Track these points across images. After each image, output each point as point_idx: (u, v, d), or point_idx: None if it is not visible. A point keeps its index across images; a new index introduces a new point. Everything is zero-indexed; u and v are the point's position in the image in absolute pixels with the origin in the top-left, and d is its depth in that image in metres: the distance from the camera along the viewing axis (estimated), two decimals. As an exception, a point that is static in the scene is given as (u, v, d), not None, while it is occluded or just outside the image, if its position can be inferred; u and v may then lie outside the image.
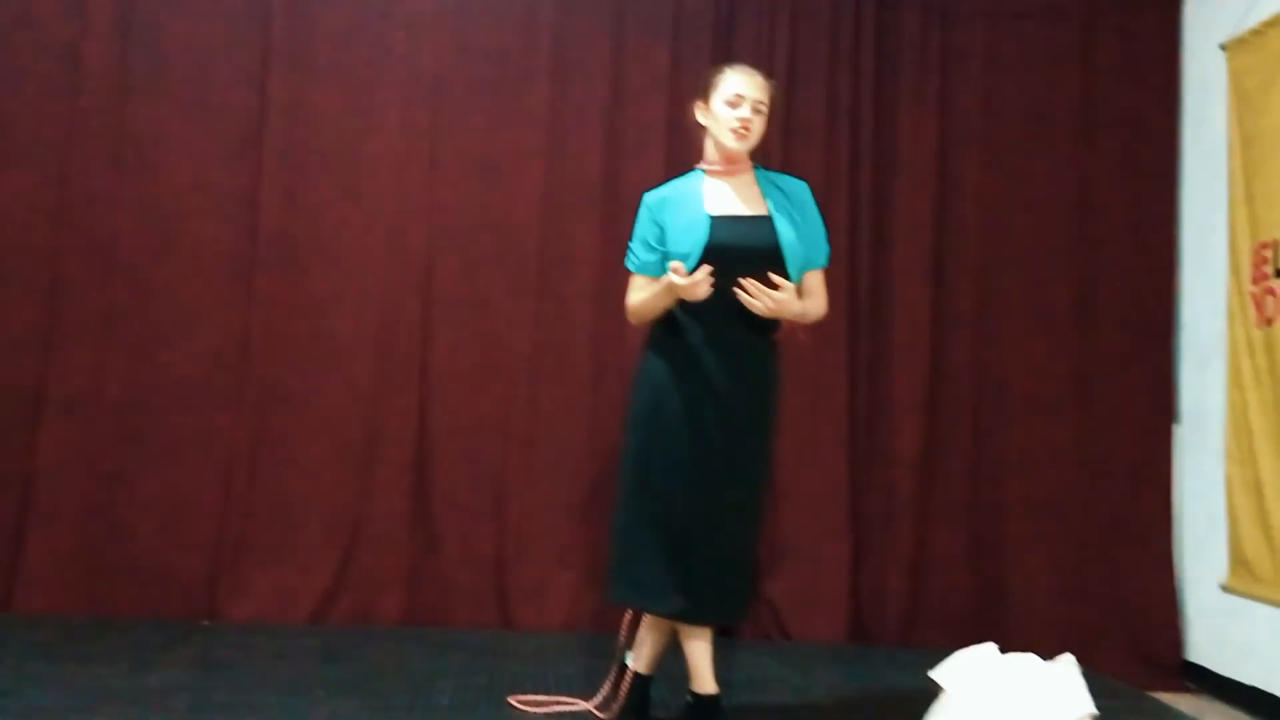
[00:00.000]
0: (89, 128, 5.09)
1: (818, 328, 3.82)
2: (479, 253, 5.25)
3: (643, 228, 3.62)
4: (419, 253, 5.22)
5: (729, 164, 3.60)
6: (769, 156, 5.09)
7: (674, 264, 3.39)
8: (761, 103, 3.55)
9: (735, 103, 3.53)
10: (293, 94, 5.18)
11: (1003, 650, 3.50)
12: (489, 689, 4.08)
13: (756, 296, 3.40)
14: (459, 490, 5.18)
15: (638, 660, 3.62)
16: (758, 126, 3.56)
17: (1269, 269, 4.63)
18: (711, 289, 3.41)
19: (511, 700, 3.86)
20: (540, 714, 3.77)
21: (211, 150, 5.17)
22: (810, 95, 5.35)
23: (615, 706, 3.73)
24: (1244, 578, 4.74)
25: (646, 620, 3.62)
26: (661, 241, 3.56)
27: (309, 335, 5.17)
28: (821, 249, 3.66)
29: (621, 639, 3.81)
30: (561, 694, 3.98)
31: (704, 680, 3.53)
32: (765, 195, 3.59)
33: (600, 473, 5.18)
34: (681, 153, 5.10)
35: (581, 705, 3.85)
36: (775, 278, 3.43)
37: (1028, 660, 3.41)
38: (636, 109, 5.31)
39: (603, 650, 4.72)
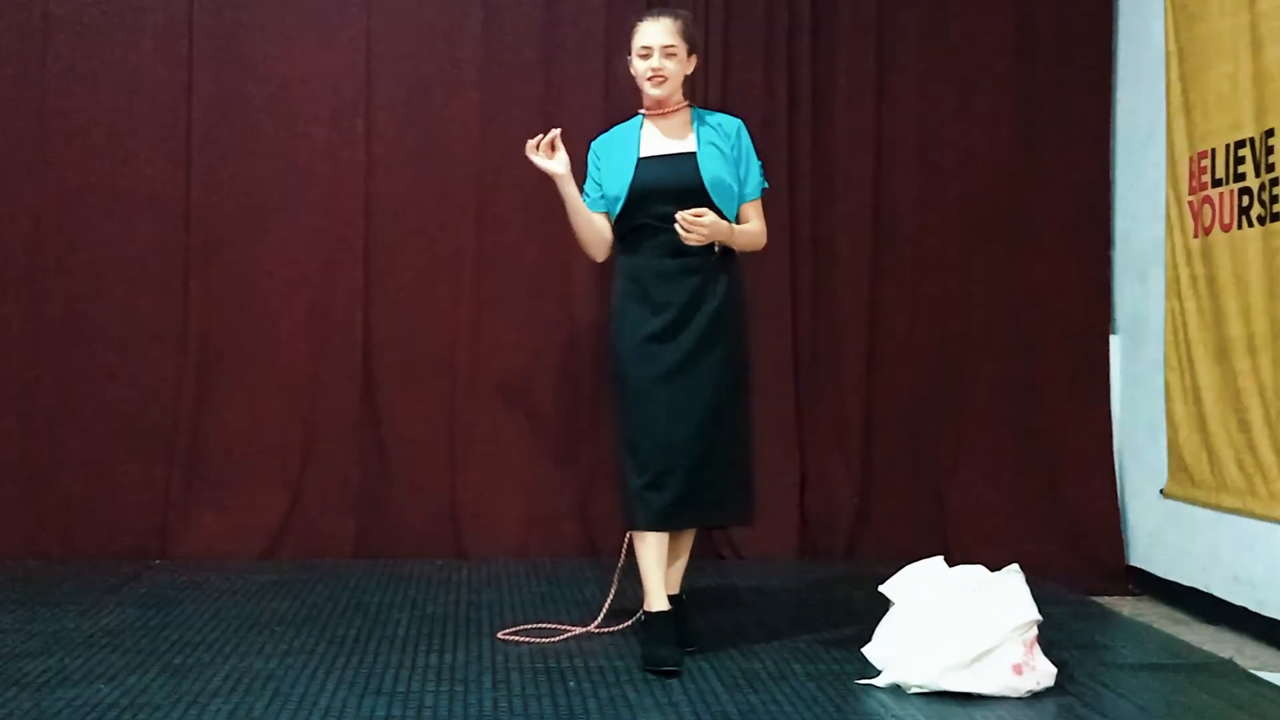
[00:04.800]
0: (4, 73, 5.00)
1: (762, 253, 3.92)
2: (418, 180, 5.18)
3: (590, 170, 3.80)
4: (356, 186, 5.14)
5: (659, 107, 3.76)
6: (708, 85, 5.09)
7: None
8: (670, 46, 3.69)
9: (645, 54, 3.71)
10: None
11: (950, 562, 3.56)
12: (445, 619, 4.10)
13: (689, 229, 3.55)
14: (407, 421, 5.16)
15: (648, 601, 3.65)
16: (671, 68, 3.70)
17: (1207, 178, 4.67)
18: (646, 225, 3.65)
19: (501, 635, 3.85)
20: (545, 643, 3.78)
21: (139, 68, 5.07)
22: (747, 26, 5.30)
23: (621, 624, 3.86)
24: (1183, 483, 4.84)
25: (639, 558, 3.65)
26: (601, 180, 3.75)
27: (250, 272, 5.10)
28: (755, 181, 3.79)
29: (620, 561, 3.87)
30: (535, 621, 3.99)
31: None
32: (696, 133, 3.74)
33: (545, 401, 5.18)
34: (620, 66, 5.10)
35: (578, 630, 3.87)
36: (699, 209, 3.58)
37: (975, 572, 3.48)
38: (575, 29, 5.24)
39: (556, 576, 4.76)
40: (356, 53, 5.14)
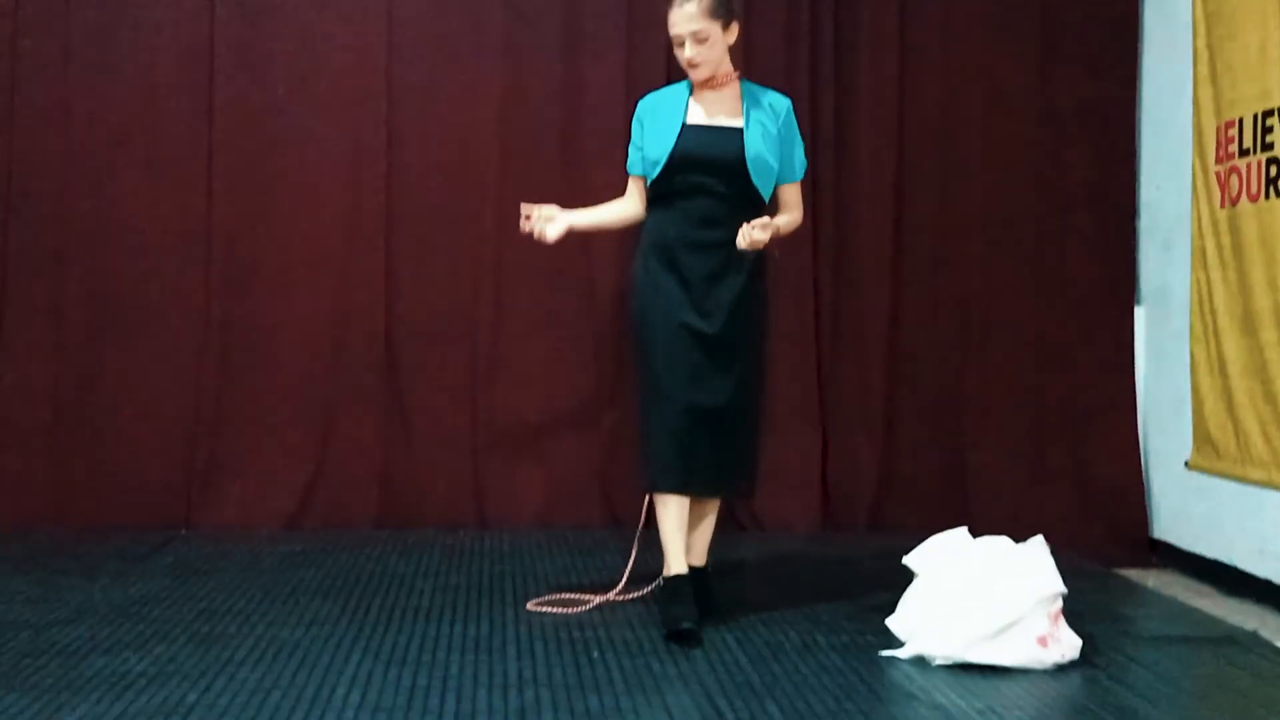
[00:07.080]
0: (37, 25, 4.99)
1: (793, 235, 3.91)
2: (441, 151, 5.18)
3: (634, 133, 3.80)
4: (378, 157, 5.13)
5: (707, 82, 3.71)
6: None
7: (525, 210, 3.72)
8: (698, 31, 3.59)
9: (678, 44, 3.65)
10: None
11: (974, 533, 3.56)
12: (468, 589, 4.12)
13: (754, 242, 3.55)
14: (429, 391, 5.17)
15: (667, 565, 3.67)
16: (704, 54, 3.62)
17: (1234, 148, 4.63)
18: (681, 191, 3.65)
19: (530, 605, 3.86)
20: (569, 613, 3.79)
21: (165, 45, 5.07)
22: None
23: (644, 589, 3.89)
24: (1208, 455, 4.82)
25: (660, 523, 3.67)
26: (643, 143, 3.74)
27: (273, 245, 5.11)
28: (799, 163, 3.79)
29: (640, 526, 3.88)
30: (562, 591, 4.00)
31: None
32: (745, 108, 3.70)
33: (567, 370, 5.19)
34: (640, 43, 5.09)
35: (600, 599, 3.88)
36: (759, 220, 3.56)
37: (999, 543, 3.47)
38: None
39: (578, 545, 4.78)
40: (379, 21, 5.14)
